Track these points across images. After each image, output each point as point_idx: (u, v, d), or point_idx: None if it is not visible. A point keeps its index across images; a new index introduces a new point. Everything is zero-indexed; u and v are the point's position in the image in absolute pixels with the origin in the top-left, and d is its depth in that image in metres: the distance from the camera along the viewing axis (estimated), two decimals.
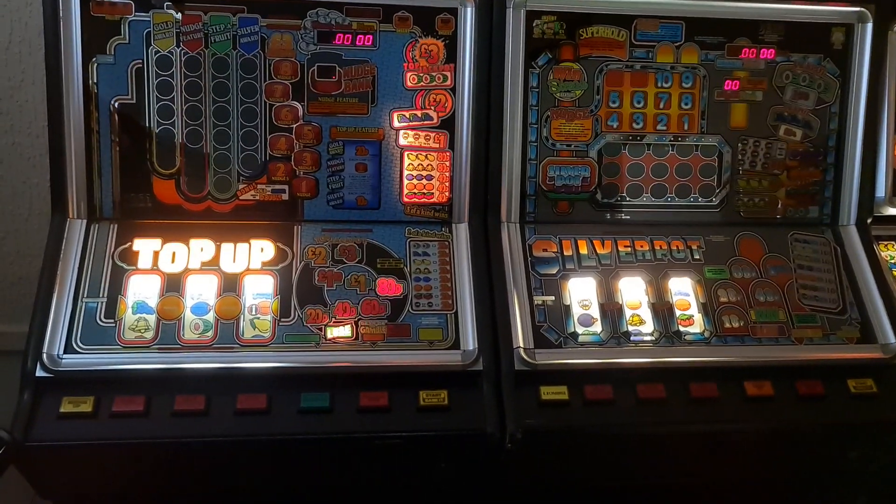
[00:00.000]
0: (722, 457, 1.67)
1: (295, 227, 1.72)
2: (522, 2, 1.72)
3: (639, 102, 1.81)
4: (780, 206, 1.87)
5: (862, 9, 1.82)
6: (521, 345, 1.61)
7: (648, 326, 1.70)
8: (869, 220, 1.91)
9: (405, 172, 1.75)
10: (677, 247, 1.80)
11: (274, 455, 1.55)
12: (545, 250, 1.75)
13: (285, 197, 1.72)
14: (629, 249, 1.78)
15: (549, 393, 1.59)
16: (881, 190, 1.91)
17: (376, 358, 1.59)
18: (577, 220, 1.80)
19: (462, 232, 1.75)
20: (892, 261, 1.91)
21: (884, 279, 1.82)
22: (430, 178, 1.76)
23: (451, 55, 1.73)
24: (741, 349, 1.70)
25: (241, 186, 1.70)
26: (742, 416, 1.62)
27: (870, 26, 1.82)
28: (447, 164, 1.75)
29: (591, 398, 1.60)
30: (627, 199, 1.82)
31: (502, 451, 1.55)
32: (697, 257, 1.80)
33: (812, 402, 1.65)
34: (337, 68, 1.70)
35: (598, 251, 1.77)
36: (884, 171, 1.90)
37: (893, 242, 1.94)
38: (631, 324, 1.70)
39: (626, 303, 1.71)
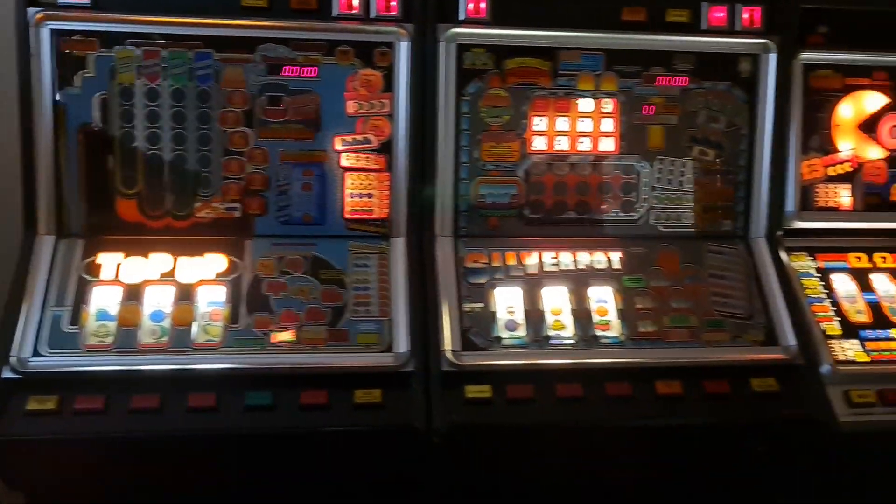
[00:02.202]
0: (637, 451, 1.80)
1: (246, 241, 1.88)
2: (453, 36, 1.90)
3: (563, 126, 1.98)
4: (696, 220, 2.04)
5: (766, 40, 1.99)
6: (449, 347, 1.77)
7: (569, 331, 1.85)
8: (779, 233, 2.08)
9: (347, 191, 1.92)
10: (599, 258, 1.96)
11: (222, 450, 1.70)
12: (476, 262, 1.91)
13: (238, 214, 1.88)
14: (554, 260, 1.94)
15: (474, 392, 1.74)
16: (790, 205, 2.08)
17: (316, 360, 1.75)
18: (506, 234, 1.97)
19: (399, 245, 1.92)
20: (802, 270, 2.07)
21: (789, 287, 1.98)
22: (370, 196, 1.92)
23: (389, 85, 1.90)
24: (653, 351, 1.85)
25: (197, 205, 1.87)
26: (653, 412, 1.78)
27: (773, 56, 1.99)
28: (386, 183, 1.92)
29: (513, 397, 1.74)
30: (553, 214, 1.99)
31: (430, 446, 1.71)
32: (617, 267, 1.96)
33: (718, 400, 1.80)
34: (284, 97, 1.87)
35: (525, 262, 1.93)
36: (792, 188, 2.08)
37: (804, 253, 2.11)
38: (553, 328, 1.85)
39: (548, 309, 1.87)
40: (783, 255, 2.06)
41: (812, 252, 2.10)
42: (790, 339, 1.88)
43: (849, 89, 2.09)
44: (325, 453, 1.73)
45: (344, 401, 1.71)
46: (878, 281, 2.06)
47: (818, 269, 2.07)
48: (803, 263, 2.08)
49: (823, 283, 2.04)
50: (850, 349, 1.93)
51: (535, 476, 1.79)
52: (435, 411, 1.71)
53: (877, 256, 2.12)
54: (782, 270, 2.01)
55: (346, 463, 1.74)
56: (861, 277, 2.07)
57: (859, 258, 2.11)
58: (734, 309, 1.93)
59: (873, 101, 2.10)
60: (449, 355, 1.76)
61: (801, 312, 1.95)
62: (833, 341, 1.94)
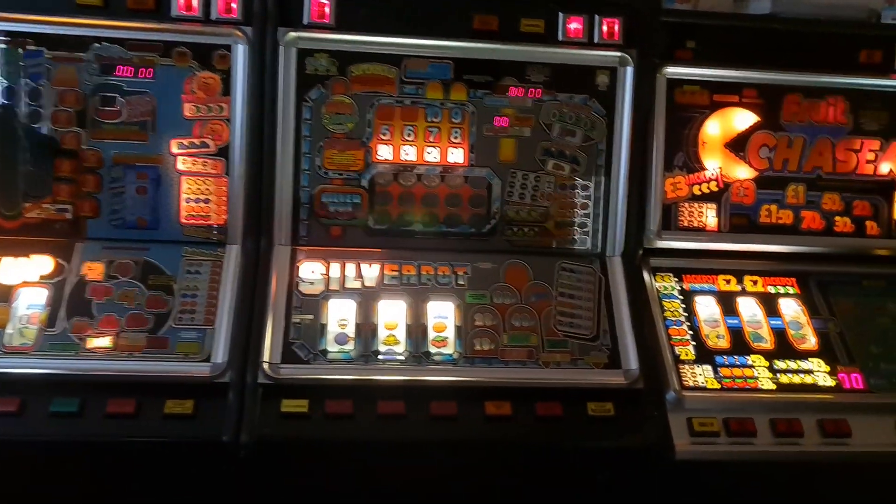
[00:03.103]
0: (457, 472, 1.73)
1: (77, 244, 1.84)
2: (293, 41, 1.85)
3: (409, 135, 1.93)
4: (549, 236, 1.98)
5: (623, 54, 1.93)
6: (267, 359, 1.72)
7: (401, 347, 1.79)
8: (640, 252, 2.01)
9: (183, 196, 1.87)
10: (443, 272, 1.90)
11: (24, 456, 1.66)
12: (312, 272, 1.86)
13: (69, 216, 1.85)
14: (395, 273, 1.89)
15: (290, 406, 1.69)
16: (652, 223, 2.01)
17: (128, 367, 1.70)
18: (349, 244, 1.92)
19: (233, 253, 1.87)
20: (665, 292, 2.00)
21: (642, 309, 1.91)
22: (207, 201, 1.88)
23: (228, 88, 1.86)
24: (486, 370, 1.78)
25: (26, 205, 1.83)
26: (478, 433, 1.71)
27: (631, 69, 1.93)
28: (224, 189, 1.88)
29: (332, 412, 1.69)
30: (399, 226, 1.93)
31: (238, 460, 1.66)
32: (462, 283, 1.89)
33: (550, 423, 1.73)
34: (119, 98, 1.84)
35: (365, 274, 1.88)
36: (654, 206, 2.01)
37: (670, 274, 2.05)
38: (385, 343, 1.79)
39: (383, 323, 1.81)
40: (646, 276, 2.00)
41: (679, 273, 2.04)
42: (632, 362, 1.80)
43: (717, 106, 2.02)
44: (131, 464, 1.68)
45: (154, 410, 1.66)
46: (745, 305, 1.99)
47: (682, 291, 2.00)
48: (667, 284, 2.01)
49: (685, 306, 1.97)
50: (701, 375, 1.86)
51: (349, 495, 1.72)
52: (244, 425, 1.66)
53: (747, 280, 2.05)
54: (638, 291, 1.94)
55: (153, 474, 1.69)
56: (728, 301, 2.00)
57: (728, 281, 2.04)
58: (579, 329, 1.86)
59: (742, 118, 2.03)
60: (266, 367, 1.71)
61: (652, 336, 1.89)
62: (685, 366, 1.86)
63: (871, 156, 2.09)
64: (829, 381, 1.88)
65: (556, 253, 1.96)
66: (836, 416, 1.82)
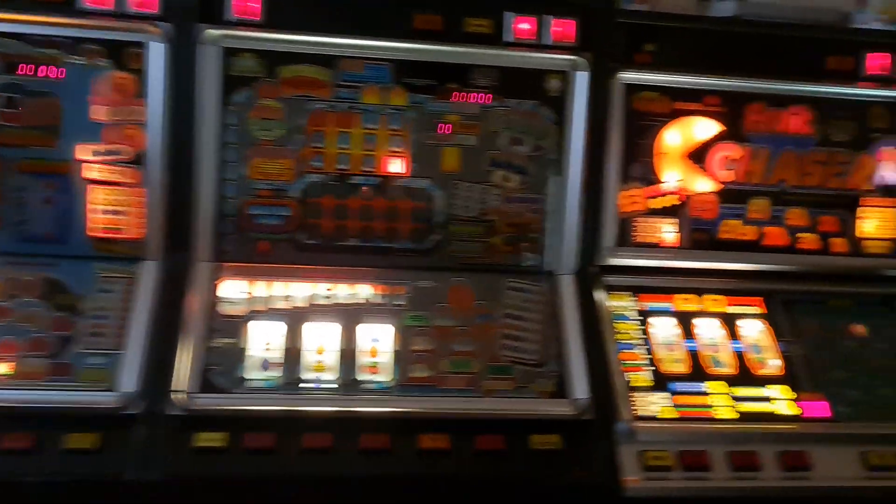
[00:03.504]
0: None
1: None
2: (216, 39, 1.70)
3: (344, 143, 1.78)
4: (497, 252, 1.84)
5: (576, 57, 1.79)
6: (180, 388, 1.57)
7: (330, 374, 1.65)
8: (594, 270, 1.88)
9: (95, 207, 1.71)
10: (381, 292, 1.77)
11: None
12: (235, 291, 1.72)
13: None
14: (328, 293, 1.75)
15: (205, 440, 1.54)
16: (607, 239, 1.89)
17: (26, 397, 1.54)
18: (278, 260, 1.77)
19: (150, 270, 1.72)
20: (619, 312, 1.87)
21: (594, 331, 1.78)
22: (122, 213, 1.73)
23: (143, 90, 1.70)
24: (422, 400, 1.64)
25: None
26: (412, 469, 1.58)
27: (585, 74, 1.79)
28: (140, 200, 1.72)
29: (251, 446, 1.54)
30: (332, 241, 1.79)
31: (147, 500, 1.52)
32: (400, 303, 1.76)
33: (490, 458, 1.60)
34: (21, 99, 1.67)
35: (294, 294, 1.73)
36: (608, 220, 1.88)
37: (628, 293, 1.92)
38: (313, 370, 1.66)
39: (311, 348, 1.67)
40: (600, 295, 1.87)
41: (635, 292, 1.91)
42: (581, 391, 1.67)
43: (677, 114, 1.89)
44: None
45: (53, 445, 1.51)
46: (704, 326, 1.86)
47: (638, 311, 1.89)
48: (622, 304, 1.88)
49: (642, 328, 1.85)
50: (656, 404, 1.74)
51: None
52: (153, 460, 1.52)
53: (708, 298, 1.93)
54: (590, 312, 1.81)
55: None
56: (687, 322, 1.87)
57: (687, 300, 1.93)
58: (526, 354, 1.73)
59: (704, 127, 1.90)
60: (178, 397, 1.56)
61: (603, 361, 1.77)
62: (638, 394, 1.74)
63: (838, 169, 1.99)
64: (791, 410, 1.76)
65: (503, 271, 1.83)
66: (796, 448, 1.70)
